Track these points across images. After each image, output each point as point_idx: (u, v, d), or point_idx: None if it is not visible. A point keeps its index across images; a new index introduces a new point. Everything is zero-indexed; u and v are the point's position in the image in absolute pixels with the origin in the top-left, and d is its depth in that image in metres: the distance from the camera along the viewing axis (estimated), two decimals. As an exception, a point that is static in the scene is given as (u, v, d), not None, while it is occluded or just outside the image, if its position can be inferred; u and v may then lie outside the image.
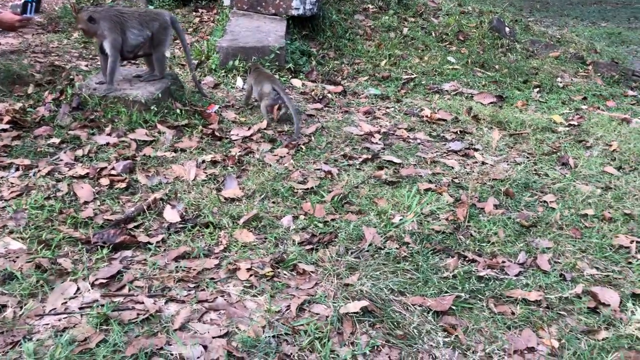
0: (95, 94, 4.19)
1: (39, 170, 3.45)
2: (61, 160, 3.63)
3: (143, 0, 7.12)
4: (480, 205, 3.53)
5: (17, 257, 2.65)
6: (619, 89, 6.85)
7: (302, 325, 2.39)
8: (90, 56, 5.75)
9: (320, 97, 5.34)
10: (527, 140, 4.75)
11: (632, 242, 3.25)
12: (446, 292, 2.67)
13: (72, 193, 3.26)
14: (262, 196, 3.43)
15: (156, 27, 4.30)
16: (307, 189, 3.55)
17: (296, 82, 5.64)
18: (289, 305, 2.51)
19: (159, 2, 7.22)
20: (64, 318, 2.34)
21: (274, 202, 3.40)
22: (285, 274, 2.75)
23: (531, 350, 2.40)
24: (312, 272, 2.76)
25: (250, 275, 2.69)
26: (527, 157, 4.42)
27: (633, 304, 2.71)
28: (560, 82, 6.80)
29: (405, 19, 8.05)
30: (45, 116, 4.09)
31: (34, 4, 4.23)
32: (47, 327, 2.28)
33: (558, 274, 2.92)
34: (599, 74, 7.27)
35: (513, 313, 2.60)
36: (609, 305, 2.68)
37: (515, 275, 2.88)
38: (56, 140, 3.82)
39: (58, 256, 2.70)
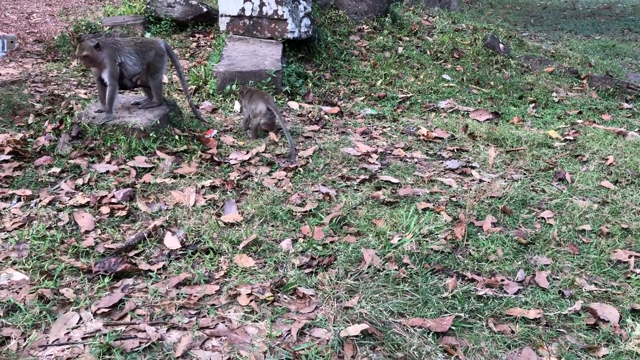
0: (94, 122, 4.24)
1: (40, 201, 3.49)
2: (62, 189, 3.67)
3: (140, 28, 7.21)
4: (478, 223, 3.56)
5: (20, 288, 2.68)
6: (614, 102, 6.91)
7: (303, 350, 2.41)
8: (89, 84, 5.82)
9: (317, 118, 5.40)
10: (524, 157, 4.79)
11: (630, 256, 3.27)
12: (446, 312, 2.69)
13: (73, 222, 3.30)
14: (261, 220, 3.46)
15: (152, 55, 4.38)
16: (306, 211, 3.58)
17: (293, 105, 5.70)
18: (289, 330, 2.53)
19: (156, 28, 7.32)
20: (67, 348, 2.35)
21: (273, 226, 3.43)
22: (285, 298, 2.77)
23: (532, 369, 2.41)
24: (312, 295, 2.78)
25: (251, 301, 2.71)
26: (524, 174, 4.46)
27: (633, 320, 2.72)
28: (556, 97, 6.86)
29: (400, 38, 8.14)
30: (45, 146, 4.13)
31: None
32: (51, 358, 2.30)
33: (557, 291, 2.94)
34: (593, 88, 7.34)
35: (513, 332, 2.61)
36: (608, 321, 2.69)
37: (515, 294, 2.89)
38: (57, 170, 3.87)
39: (60, 286, 2.72)
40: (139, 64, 4.32)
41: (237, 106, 5.45)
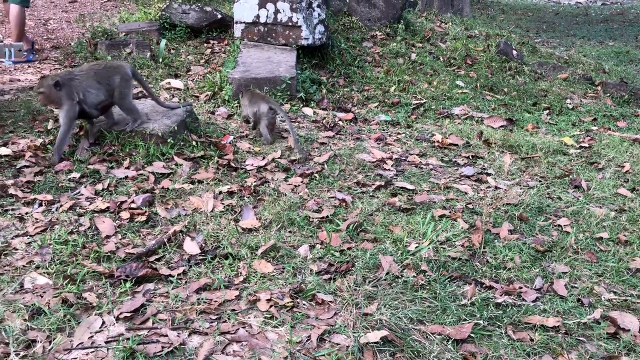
0: (124, 129, 4.29)
1: (61, 205, 3.53)
2: (82, 194, 3.71)
3: (156, 34, 7.28)
4: (495, 230, 3.57)
5: (44, 292, 2.72)
6: (629, 109, 6.89)
7: (323, 355, 2.42)
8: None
9: (332, 124, 5.43)
10: (539, 164, 4.79)
11: (648, 265, 3.27)
12: (465, 319, 2.70)
13: (94, 227, 3.34)
14: (279, 226, 3.49)
15: (117, 81, 4.29)
16: (323, 217, 3.61)
17: (308, 111, 5.73)
18: (309, 336, 2.55)
19: (171, 34, 7.38)
20: (91, 352, 2.39)
21: (290, 232, 3.45)
22: (304, 304, 2.79)
23: (551, 377, 2.41)
24: (330, 302, 2.80)
25: (271, 306, 2.73)
26: (540, 181, 4.46)
27: (652, 328, 2.72)
28: (570, 104, 6.85)
29: (413, 44, 8.17)
30: (65, 151, 4.18)
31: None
32: (75, 362, 2.33)
33: (575, 299, 2.94)
34: (608, 95, 7.31)
35: (532, 340, 2.61)
36: (628, 330, 2.69)
37: (533, 301, 2.90)
38: (76, 175, 3.91)
39: (83, 290, 2.76)
40: (103, 92, 4.24)
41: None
